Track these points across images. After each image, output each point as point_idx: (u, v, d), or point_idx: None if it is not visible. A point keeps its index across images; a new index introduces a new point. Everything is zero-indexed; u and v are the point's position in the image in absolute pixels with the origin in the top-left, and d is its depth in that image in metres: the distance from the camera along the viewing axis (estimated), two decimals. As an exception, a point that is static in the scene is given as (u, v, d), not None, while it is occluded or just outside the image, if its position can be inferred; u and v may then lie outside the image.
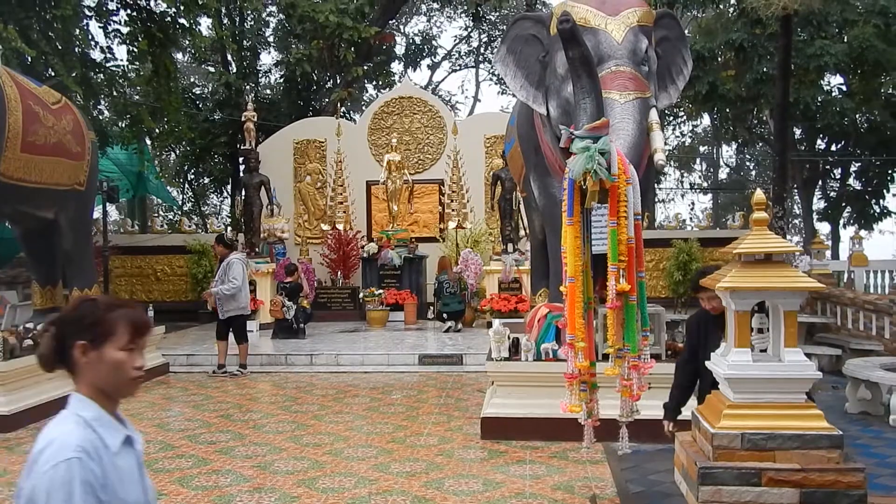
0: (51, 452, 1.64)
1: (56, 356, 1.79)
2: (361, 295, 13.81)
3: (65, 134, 8.56)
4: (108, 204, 14.09)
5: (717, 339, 4.21)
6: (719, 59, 17.46)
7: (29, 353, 7.42)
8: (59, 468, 1.61)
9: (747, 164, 32.29)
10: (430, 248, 15.13)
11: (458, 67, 31.33)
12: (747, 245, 3.53)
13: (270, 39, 22.26)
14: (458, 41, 30.10)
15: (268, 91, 22.30)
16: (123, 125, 14.46)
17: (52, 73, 11.29)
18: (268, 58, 23.63)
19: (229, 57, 20.34)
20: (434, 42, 27.36)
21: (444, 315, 12.62)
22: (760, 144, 25.45)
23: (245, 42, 20.62)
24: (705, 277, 4.22)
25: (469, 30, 28.83)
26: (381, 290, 13.60)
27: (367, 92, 24.42)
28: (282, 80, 21.26)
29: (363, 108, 22.17)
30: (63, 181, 8.65)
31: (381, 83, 22.26)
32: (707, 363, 3.73)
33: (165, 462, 5.90)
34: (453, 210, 15.07)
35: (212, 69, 21.71)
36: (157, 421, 7.37)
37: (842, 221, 21.88)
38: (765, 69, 15.97)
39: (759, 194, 3.70)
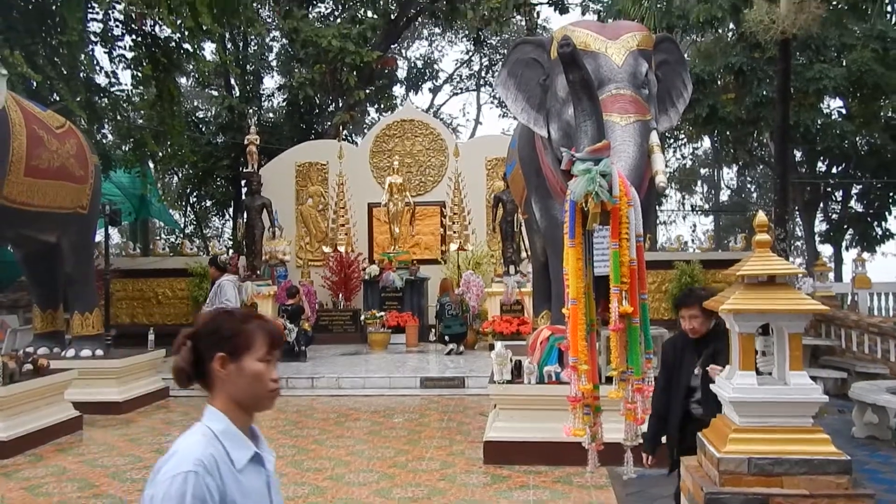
0: (172, 464, 1.66)
1: (194, 370, 1.77)
2: (363, 317, 13.77)
3: (68, 157, 8.59)
4: (110, 227, 14.11)
5: (692, 365, 4.04)
6: (719, 82, 17.59)
7: (29, 377, 7.37)
8: (175, 480, 1.62)
9: (748, 186, 32.37)
10: (432, 270, 15.11)
11: (459, 91, 31.59)
12: (751, 267, 3.51)
13: (273, 64, 22.45)
14: (459, 65, 30.37)
15: (270, 115, 22.44)
16: (127, 149, 14.52)
17: (58, 98, 11.36)
18: (271, 82, 23.91)
19: (232, 81, 20.52)
20: (435, 66, 27.63)
21: (446, 337, 12.57)
22: (761, 167, 25.53)
23: (248, 66, 20.81)
24: (692, 298, 4.11)
25: (470, 54, 29.08)
26: (382, 313, 13.56)
27: (368, 115, 24.58)
28: (284, 104, 21.41)
29: (365, 131, 22.29)
30: (66, 204, 8.67)
31: (382, 106, 22.43)
32: (713, 386, 3.69)
33: (164, 487, 5.82)
34: (455, 232, 15.09)
35: (215, 93, 21.88)
36: (156, 446, 7.29)
37: (844, 244, 21.85)
38: (764, 92, 16.07)
39: (761, 216, 3.68)
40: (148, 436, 7.76)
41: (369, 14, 19.42)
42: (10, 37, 10.85)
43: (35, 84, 10.73)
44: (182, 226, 24.46)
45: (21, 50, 10.54)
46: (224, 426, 1.74)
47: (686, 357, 4.11)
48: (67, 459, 6.79)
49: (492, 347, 9.07)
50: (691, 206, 33.02)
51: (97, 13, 12.49)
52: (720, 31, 17.44)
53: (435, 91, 30.14)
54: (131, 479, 6.11)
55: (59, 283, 9.33)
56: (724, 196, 33.60)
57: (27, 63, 10.29)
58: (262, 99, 22.61)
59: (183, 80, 22.09)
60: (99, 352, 9.15)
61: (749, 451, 3.38)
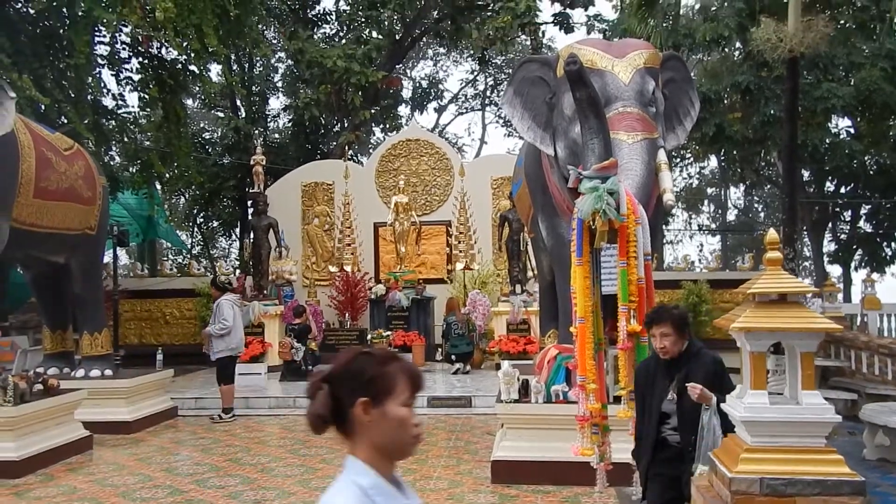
0: None
1: (332, 415, 1.65)
2: (369, 337, 13.72)
3: (76, 179, 8.65)
4: (118, 248, 14.17)
5: (665, 390, 3.84)
6: (726, 101, 17.60)
7: (39, 397, 7.37)
8: None
9: (756, 205, 32.31)
10: (438, 289, 15.08)
11: (464, 110, 31.76)
12: (762, 285, 3.48)
13: (279, 84, 22.62)
14: (464, 84, 30.56)
15: (276, 135, 22.59)
16: (134, 170, 14.63)
17: (66, 121, 11.46)
18: (276, 102, 24.03)
19: (238, 102, 20.67)
20: (440, 86, 27.78)
21: (453, 357, 12.52)
22: (769, 186, 25.48)
23: (254, 87, 20.97)
24: (663, 315, 3.85)
25: (475, 73, 29.27)
26: (389, 332, 13.52)
27: (374, 135, 24.71)
28: (290, 125, 21.54)
29: (370, 150, 22.39)
30: (74, 226, 8.72)
31: (388, 126, 22.53)
32: (723, 406, 3.64)
33: (172, 508, 5.84)
34: (461, 251, 15.09)
35: (221, 114, 22.04)
36: (165, 465, 7.30)
37: (853, 264, 21.73)
38: (772, 111, 16.07)
39: (772, 233, 3.66)
40: (158, 455, 7.76)
41: (374, 34, 19.56)
42: (19, 60, 10.98)
43: (43, 107, 10.85)
44: (189, 246, 24.55)
45: (29, 73, 10.67)
46: (372, 481, 1.62)
47: (658, 381, 3.89)
48: (78, 479, 6.78)
49: (498, 367, 9.01)
50: (698, 225, 32.99)
51: (104, 36, 12.63)
52: (727, 49, 17.49)
53: (440, 111, 30.34)
54: (141, 499, 6.10)
55: (69, 304, 9.35)
56: (732, 216, 33.56)
57: (35, 86, 10.41)
58: (268, 119, 22.78)
59: (189, 102, 22.30)
60: (108, 372, 9.15)
61: (761, 472, 3.33)
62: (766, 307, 3.53)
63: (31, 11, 12.10)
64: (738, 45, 17.24)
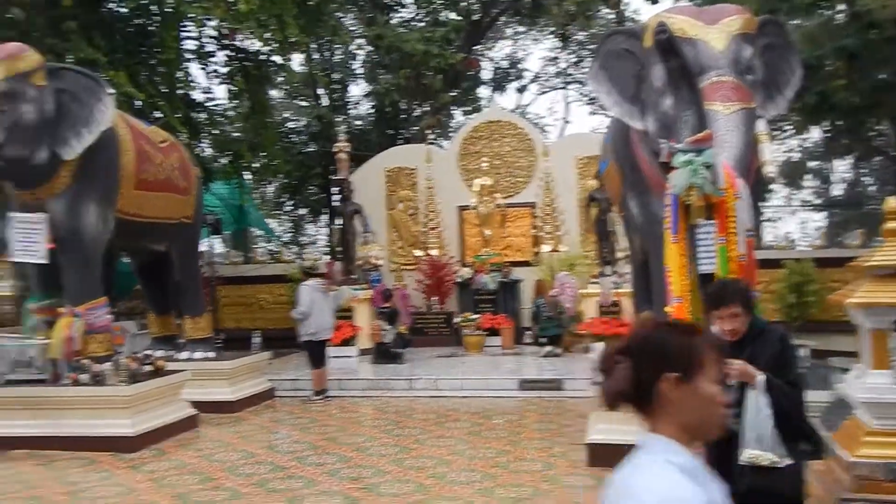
0: None
1: (633, 391, 1.55)
2: (457, 320, 13.80)
3: (172, 170, 9.04)
4: (213, 236, 14.73)
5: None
6: (828, 67, 16.56)
7: (147, 378, 7.76)
8: None
9: (864, 178, 30.39)
10: (525, 272, 14.98)
11: (546, 89, 31.20)
12: (881, 257, 3.25)
13: (359, 71, 22.89)
14: (545, 63, 30.00)
15: (358, 122, 22.88)
16: (224, 161, 15.13)
17: (159, 115, 11.94)
18: (357, 89, 24.32)
19: (320, 91, 21.02)
20: (521, 65, 27.38)
21: (543, 339, 12.43)
22: (879, 157, 23.88)
23: (335, 75, 21.27)
24: (731, 293, 3.34)
25: (556, 51, 28.69)
26: (476, 315, 13.54)
27: (454, 118, 24.66)
28: (372, 111, 21.75)
29: (451, 134, 22.40)
30: (173, 215, 9.12)
31: (468, 109, 22.41)
32: (843, 386, 3.43)
33: (276, 483, 6.09)
34: (547, 233, 14.91)
35: (303, 103, 22.49)
36: (266, 443, 7.60)
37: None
38: (883, 76, 14.98)
39: (890, 202, 3.41)
40: (258, 433, 8.08)
41: (451, 16, 19.45)
42: (114, 59, 11.49)
43: (141, 102, 11.33)
44: (278, 234, 25.27)
45: (125, 70, 11.16)
46: (686, 460, 1.47)
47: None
48: (187, 454, 7.12)
49: (587, 350, 8.87)
50: (801, 201, 31.33)
51: (191, 31, 13.08)
52: (829, 11, 16.42)
53: (521, 91, 29.92)
54: (245, 474, 6.35)
55: (171, 290, 9.81)
56: (837, 190, 31.69)
57: (130, 82, 10.89)
58: (350, 106, 23.09)
59: (273, 93, 22.87)
60: (210, 354, 9.56)
61: (885, 456, 3.13)
62: (885, 281, 3.30)
63: (124, 10, 12.63)
64: (840, 6, 16.15)
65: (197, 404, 8.41)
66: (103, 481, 6.26)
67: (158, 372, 7.99)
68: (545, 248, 14.90)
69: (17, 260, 7.87)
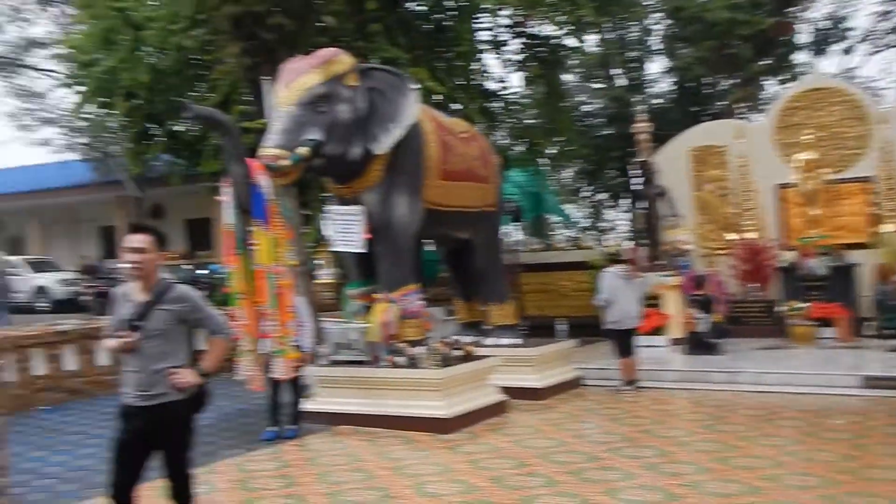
0: None
1: None
2: (781, 309, 12.35)
3: (473, 160, 9.24)
4: (512, 223, 14.99)
5: None
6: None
7: (458, 362, 7.97)
8: None
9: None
10: (861, 255, 12.94)
11: (879, 48, 26.85)
12: None
13: (657, 47, 21.77)
14: (878, 18, 25.80)
15: (657, 100, 21.81)
16: (521, 148, 15.29)
17: (459, 106, 12.36)
18: (655, 66, 23.25)
19: (615, 71, 20.42)
20: (845, 24, 23.90)
21: (888, 331, 10.65)
22: None
23: (630, 54, 20.52)
24: None
25: (891, 2, 24.52)
26: (804, 304, 11.97)
27: (765, 89, 22.35)
28: (672, 87, 20.61)
29: (763, 107, 20.28)
30: (475, 204, 9.32)
31: (783, 78, 20.18)
32: None
33: (592, 473, 5.85)
34: (889, 210, 12.77)
35: (598, 85, 22.06)
36: (575, 432, 7.39)
37: None
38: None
39: None
40: (567, 421, 7.88)
41: (761, -23, 17.57)
42: (415, 56, 12.14)
43: (440, 96, 11.81)
44: (576, 220, 25.19)
45: (425, 66, 11.74)
46: None
47: None
48: (499, 439, 7.16)
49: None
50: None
51: (485, 22, 13.37)
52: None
53: (847, 53, 26.12)
54: (559, 462, 6.18)
55: (475, 277, 10.06)
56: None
57: (430, 77, 11.42)
58: (648, 85, 22.09)
59: (567, 77, 22.78)
60: (517, 340, 9.61)
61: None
62: None
63: (422, 8, 13.37)
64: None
65: (505, 390, 8.46)
66: (423, 460, 6.49)
67: (468, 357, 8.18)
68: (887, 227, 12.74)
69: (337, 250, 8.58)
